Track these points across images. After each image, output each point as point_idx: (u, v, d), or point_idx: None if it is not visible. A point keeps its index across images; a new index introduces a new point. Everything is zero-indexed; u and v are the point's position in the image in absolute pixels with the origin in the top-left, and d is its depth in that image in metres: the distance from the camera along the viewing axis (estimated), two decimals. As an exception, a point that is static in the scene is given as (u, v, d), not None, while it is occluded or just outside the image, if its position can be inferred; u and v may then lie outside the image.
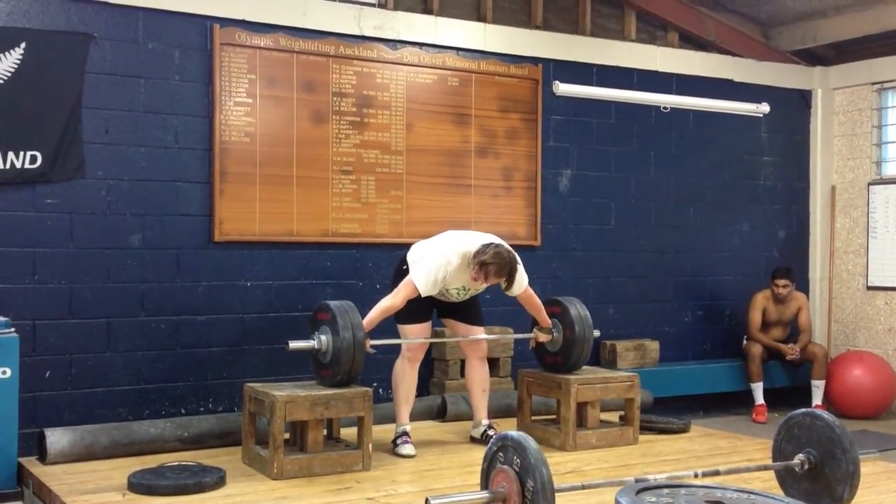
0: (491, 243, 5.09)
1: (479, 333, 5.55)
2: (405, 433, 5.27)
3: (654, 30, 7.80)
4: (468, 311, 5.50)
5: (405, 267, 5.23)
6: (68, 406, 5.42)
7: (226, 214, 5.89)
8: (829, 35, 8.15)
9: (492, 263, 5.00)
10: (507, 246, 5.14)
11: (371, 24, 6.40)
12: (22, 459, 4.91)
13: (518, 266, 5.17)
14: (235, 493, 4.41)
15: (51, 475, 4.72)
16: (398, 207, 6.48)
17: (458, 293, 5.26)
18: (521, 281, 5.32)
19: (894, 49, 7.91)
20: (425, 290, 5.05)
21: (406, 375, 5.36)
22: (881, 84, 8.12)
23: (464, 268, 5.11)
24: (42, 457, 4.97)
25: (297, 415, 4.71)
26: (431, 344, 6.05)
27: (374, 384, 5.84)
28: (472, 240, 5.18)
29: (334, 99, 6.27)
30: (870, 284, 8.13)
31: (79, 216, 5.49)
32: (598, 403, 5.61)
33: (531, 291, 5.44)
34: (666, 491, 3.17)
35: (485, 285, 5.22)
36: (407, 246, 5.75)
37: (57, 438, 4.97)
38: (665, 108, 7.56)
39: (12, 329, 4.72)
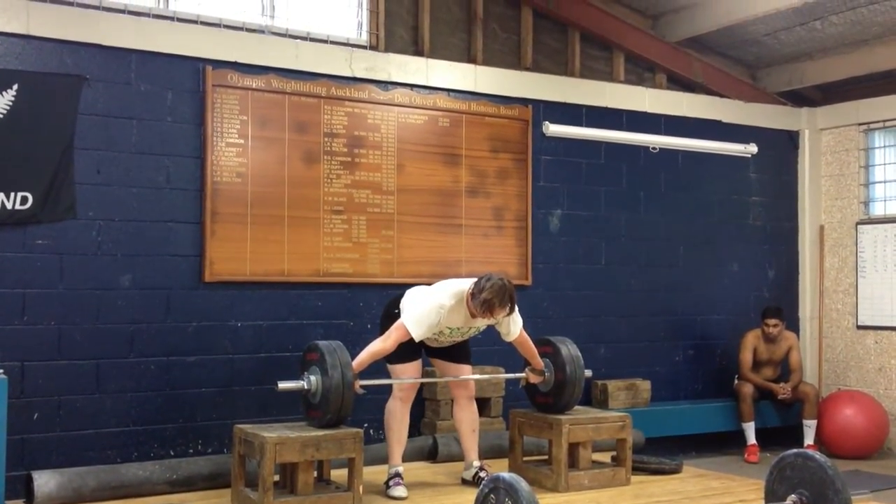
0: (483, 277, 5.06)
1: (468, 372, 5.54)
2: (397, 475, 5.23)
3: (642, 71, 7.89)
4: (456, 350, 5.48)
5: (396, 311, 5.20)
6: (56, 448, 5.37)
7: (216, 255, 5.88)
8: (815, 77, 8.25)
9: (494, 297, 4.96)
10: (499, 275, 5.09)
11: (362, 66, 6.45)
12: (9, 503, 4.85)
13: (515, 302, 5.16)
14: (224, 537, 4.38)
15: (38, 519, 4.67)
16: (389, 247, 6.49)
17: (451, 333, 5.24)
18: (517, 324, 5.32)
19: (880, 90, 8.01)
20: (419, 334, 5.03)
21: (398, 415, 5.33)
22: (867, 125, 8.21)
23: (458, 307, 5.09)
24: (29, 500, 4.93)
25: (288, 456, 4.68)
26: (422, 384, 6.03)
27: (365, 425, 5.81)
28: (465, 281, 5.18)
29: (326, 139, 6.30)
30: (859, 324, 8.15)
31: (69, 257, 5.47)
32: (590, 444, 5.58)
33: (526, 335, 5.44)
34: (658, 533, 3.16)
35: (485, 322, 5.20)
36: (398, 286, 5.77)
37: (45, 481, 4.92)
38: (654, 148, 7.62)
39: (1, 370, 4.70)
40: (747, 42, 8.05)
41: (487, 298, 4.96)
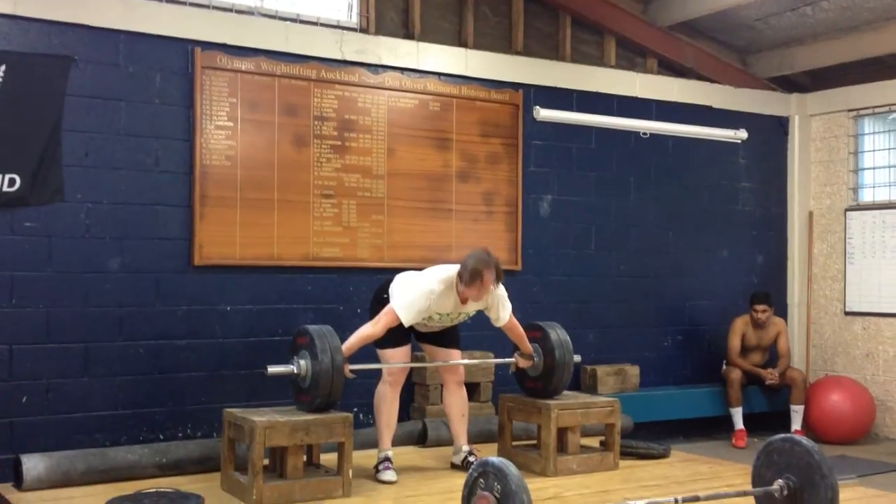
0: (467, 256, 5.08)
1: (457, 357, 5.54)
2: (387, 459, 5.24)
3: (633, 56, 7.87)
4: (446, 335, 5.49)
5: (385, 295, 5.20)
6: (45, 432, 5.35)
7: (206, 238, 5.86)
8: (806, 62, 8.25)
9: (480, 265, 4.98)
10: (479, 249, 5.14)
11: (353, 49, 6.42)
12: (-3, 486, 4.85)
13: (501, 283, 5.17)
14: (214, 520, 4.38)
15: (27, 502, 4.66)
16: (379, 231, 6.47)
17: (441, 318, 5.24)
18: (507, 308, 5.32)
19: (870, 76, 8.01)
20: (408, 319, 5.03)
21: (387, 400, 5.33)
22: (857, 111, 8.21)
23: (447, 293, 5.10)
24: (18, 483, 4.91)
25: (277, 440, 4.68)
26: (412, 368, 6.03)
27: (355, 409, 5.81)
28: (454, 266, 5.17)
29: (315, 123, 6.27)
30: (847, 310, 8.18)
31: (57, 239, 5.44)
32: (578, 428, 5.60)
33: (515, 321, 5.44)
34: (647, 517, 3.17)
35: (475, 307, 5.20)
36: (388, 270, 5.76)
37: (33, 465, 4.91)
38: (645, 133, 7.61)
39: (-11, 354, 4.68)
40: (738, 27, 8.04)
41: (475, 268, 4.97)
